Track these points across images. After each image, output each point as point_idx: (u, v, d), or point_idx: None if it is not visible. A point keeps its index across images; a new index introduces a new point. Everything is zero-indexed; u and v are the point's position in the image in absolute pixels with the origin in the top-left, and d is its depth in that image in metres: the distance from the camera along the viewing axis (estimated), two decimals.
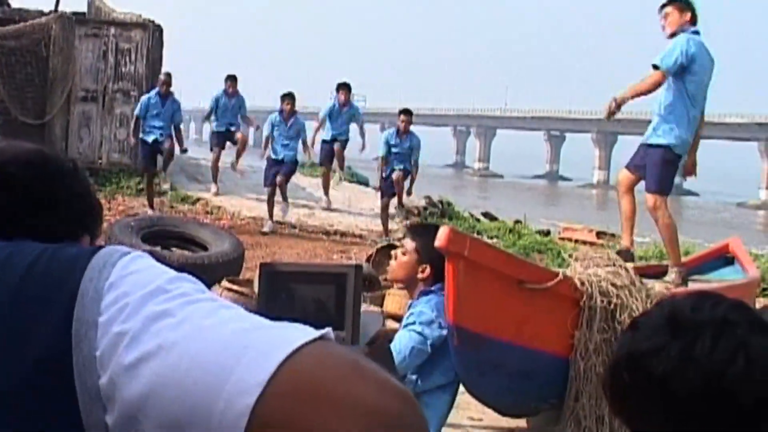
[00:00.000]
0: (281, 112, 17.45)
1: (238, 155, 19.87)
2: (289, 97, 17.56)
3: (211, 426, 1.06)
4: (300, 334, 1.11)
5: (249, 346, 1.09)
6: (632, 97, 8.75)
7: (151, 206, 17.08)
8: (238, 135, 19.61)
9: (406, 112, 17.60)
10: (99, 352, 1.17)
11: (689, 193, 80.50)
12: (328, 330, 1.14)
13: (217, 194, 19.53)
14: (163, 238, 12.41)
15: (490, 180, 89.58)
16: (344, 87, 18.56)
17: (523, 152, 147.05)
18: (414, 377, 5.69)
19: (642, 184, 8.99)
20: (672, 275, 8.71)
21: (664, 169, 8.78)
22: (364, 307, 9.40)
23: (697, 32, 8.69)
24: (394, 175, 17.02)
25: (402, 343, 5.46)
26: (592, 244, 17.18)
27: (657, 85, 8.59)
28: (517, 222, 20.10)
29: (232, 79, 19.38)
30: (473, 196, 48.59)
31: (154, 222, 12.89)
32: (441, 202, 20.40)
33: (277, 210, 17.33)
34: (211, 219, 17.12)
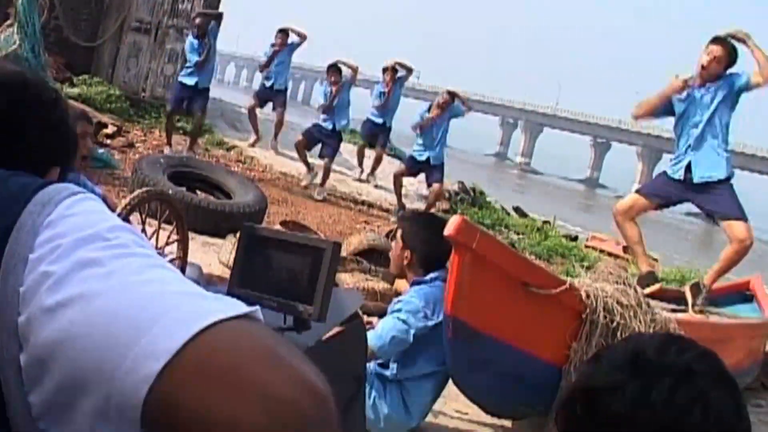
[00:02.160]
0: (334, 83, 17.34)
1: (276, 135, 19.74)
2: (333, 68, 17.53)
3: (113, 387, 1.03)
4: (225, 307, 1.07)
5: (169, 311, 1.05)
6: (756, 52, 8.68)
7: (169, 143, 16.79)
8: (277, 110, 19.58)
9: (450, 92, 17.17)
10: (23, 289, 1.14)
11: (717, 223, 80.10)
12: (256, 308, 1.10)
13: (253, 144, 19.46)
14: (189, 180, 12.42)
15: (529, 175, 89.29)
16: (388, 70, 18.40)
17: (566, 153, 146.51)
18: (396, 364, 5.68)
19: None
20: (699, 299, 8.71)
21: (735, 195, 8.81)
22: (373, 283, 9.49)
23: None
24: (435, 187, 16.61)
25: (384, 329, 5.45)
26: (617, 257, 17.11)
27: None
28: (546, 222, 20.03)
29: (282, 33, 19.29)
30: (508, 188, 48.39)
31: (183, 162, 12.89)
32: (474, 189, 20.32)
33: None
34: (242, 168, 17.10)
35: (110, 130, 16.36)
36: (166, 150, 16.39)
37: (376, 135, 19.31)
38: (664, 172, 9.11)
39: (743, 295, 10.65)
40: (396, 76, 18.87)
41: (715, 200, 8.78)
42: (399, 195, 16.96)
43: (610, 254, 17.76)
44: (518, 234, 18.00)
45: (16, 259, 1.17)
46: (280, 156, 19.05)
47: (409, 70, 19.45)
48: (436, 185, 16.42)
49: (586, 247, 18.60)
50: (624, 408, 1.71)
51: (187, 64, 16.57)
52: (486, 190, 21.76)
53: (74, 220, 1.22)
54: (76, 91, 18.09)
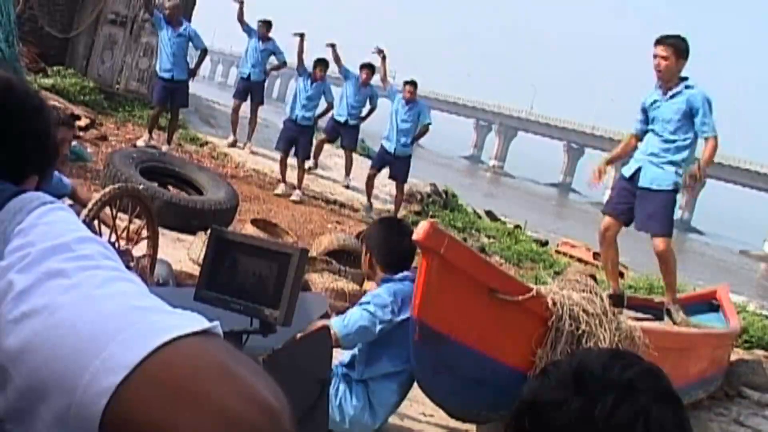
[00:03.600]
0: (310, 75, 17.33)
1: (250, 135, 19.67)
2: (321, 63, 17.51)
3: (73, 398, 1.05)
4: (185, 323, 1.09)
5: (129, 326, 1.07)
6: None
7: (150, 133, 16.90)
8: (251, 111, 19.57)
9: (412, 83, 17.30)
10: None
11: (695, 230, 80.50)
12: (215, 324, 1.12)
13: (233, 145, 19.39)
14: (161, 175, 12.40)
15: (502, 179, 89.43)
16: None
17: (539, 158, 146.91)
18: (361, 364, 5.70)
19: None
20: (679, 314, 8.81)
21: (672, 211, 8.87)
22: (342, 283, 9.51)
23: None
24: (397, 187, 17.14)
25: (351, 318, 5.48)
26: (587, 263, 17.18)
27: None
28: (516, 227, 20.07)
29: (265, 23, 19.19)
30: (481, 192, 48.46)
31: (155, 157, 12.85)
32: (446, 192, 20.33)
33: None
34: (215, 165, 17.06)
35: (83, 122, 16.30)
36: (142, 139, 16.45)
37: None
38: (621, 173, 9.19)
39: (710, 304, 10.73)
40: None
41: (645, 207, 8.84)
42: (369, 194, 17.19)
43: (580, 260, 17.84)
44: (489, 238, 18.02)
45: None
46: (253, 155, 18.99)
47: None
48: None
49: (557, 252, 18.67)
50: (568, 422, 1.73)
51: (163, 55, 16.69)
52: (458, 192, 21.76)
53: (44, 229, 1.24)
54: (49, 81, 18.00)
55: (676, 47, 8.72)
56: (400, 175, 17.04)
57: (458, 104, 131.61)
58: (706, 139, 8.71)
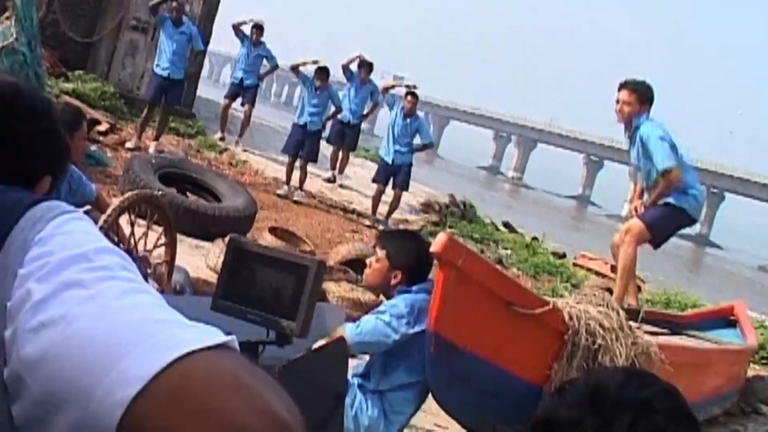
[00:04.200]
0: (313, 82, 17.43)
1: (242, 131, 19.85)
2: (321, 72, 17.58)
3: (89, 409, 1.05)
4: (201, 336, 1.10)
5: (145, 338, 1.08)
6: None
7: (139, 137, 16.85)
8: (245, 107, 19.74)
9: (413, 94, 17.36)
10: (10, 304, 1.18)
11: (713, 245, 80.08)
12: (232, 337, 1.13)
13: (222, 140, 19.50)
14: (179, 182, 12.42)
15: (520, 190, 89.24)
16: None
17: (558, 170, 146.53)
18: (377, 375, 5.69)
19: None
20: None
21: (667, 217, 8.76)
22: (359, 293, 9.50)
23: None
24: (394, 193, 17.14)
25: (365, 326, 5.47)
26: (604, 276, 17.09)
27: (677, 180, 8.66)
28: (534, 239, 20.00)
29: (257, 29, 19.43)
30: (500, 203, 48.36)
31: (174, 163, 12.89)
32: (464, 203, 20.29)
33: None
34: (234, 172, 17.08)
35: (103, 127, 16.36)
36: (134, 140, 16.62)
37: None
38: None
39: (727, 320, 10.68)
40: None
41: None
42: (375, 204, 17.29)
43: (597, 273, 17.75)
44: (506, 249, 17.97)
45: (5, 273, 1.20)
46: (271, 160, 19.02)
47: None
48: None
49: (574, 265, 18.59)
50: None
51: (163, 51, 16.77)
52: (477, 203, 21.72)
53: (63, 238, 1.24)
54: (70, 86, 18.05)
55: (640, 93, 8.71)
56: (399, 183, 17.04)
57: (477, 115, 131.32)
58: (662, 173, 8.62)
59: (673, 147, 8.62)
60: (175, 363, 1.05)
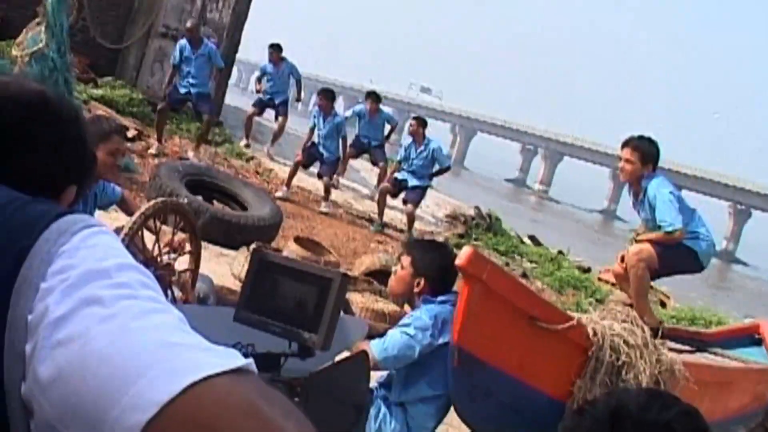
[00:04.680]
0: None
1: (274, 139, 19.93)
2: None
3: (101, 431, 1.06)
4: (218, 360, 1.10)
5: (161, 362, 1.08)
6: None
7: (159, 141, 17.06)
8: (279, 119, 19.83)
9: (416, 118, 17.49)
10: (31, 317, 1.18)
11: (739, 262, 79.68)
12: (249, 361, 1.13)
13: (248, 147, 19.62)
14: (206, 189, 12.47)
15: (546, 204, 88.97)
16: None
17: (585, 184, 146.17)
18: (398, 386, 5.68)
19: None
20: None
21: (679, 253, 8.72)
22: (383, 304, 9.48)
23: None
24: (406, 210, 17.09)
25: (390, 341, 5.47)
26: (632, 294, 16.95)
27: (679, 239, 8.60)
28: (559, 252, 19.93)
29: (274, 48, 19.58)
30: (525, 215, 48.20)
31: (201, 171, 12.94)
32: (489, 215, 20.21)
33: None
34: (260, 181, 17.11)
35: (131, 133, 16.41)
36: (156, 145, 16.76)
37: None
38: None
39: (752, 338, 10.60)
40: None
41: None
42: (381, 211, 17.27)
43: (622, 289, 17.65)
44: (531, 263, 17.92)
45: (27, 286, 1.20)
46: (272, 160, 19.07)
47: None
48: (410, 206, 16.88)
49: (599, 279, 18.50)
50: None
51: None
52: (502, 216, 21.65)
53: (87, 252, 1.25)
54: (99, 92, 18.17)
55: (641, 152, 8.60)
56: (411, 198, 16.99)
57: (504, 127, 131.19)
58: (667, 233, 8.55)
59: (680, 201, 8.67)
60: (191, 388, 1.05)
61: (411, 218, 16.97)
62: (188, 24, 17.15)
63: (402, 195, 17.03)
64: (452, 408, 5.96)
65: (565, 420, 1.90)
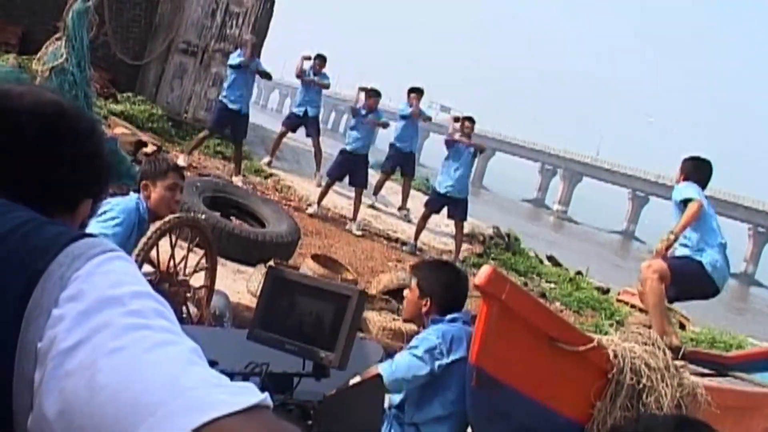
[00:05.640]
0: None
1: (318, 166, 19.66)
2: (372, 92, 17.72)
3: None
4: (231, 399, 1.06)
5: (171, 400, 1.04)
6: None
7: (189, 153, 17.23)
8: (313, 143, 19.64)
9: (469, 118, 17.28)
10: (41, 345, 1.14)
11: (759, 284, 79.46)
12: (264, 396, 1.09)
13: (269, 164, 19.56)
14: (224, 206, 12.46)
15: (565, 224, 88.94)
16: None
17: (603, 204, 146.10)
18: (411, 408, 5.63)
19: None
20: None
21: (691, 268, 8.76)
22: (400, 323, 9.42)
23: None
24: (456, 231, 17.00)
25: (399, 363, 5.43)
26: (648, 312, 16.88)
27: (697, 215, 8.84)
28: (578, 273, 19.87)
29: (320, 59, 19.39)
30: (544, 236, 48.14)
31: (219, 188, 12.92)
32: (508, 235, 20.18)
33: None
34: (278, 197, 17.10)
35: (150, 149, 16.43)
36: (183, 157, 16.83)
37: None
38: None
39: None
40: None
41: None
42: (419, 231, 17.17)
43: (641, 310, 17.57)
44: (550, 283, 17.86)
45: (39, 311, 1.16)
46: (317, 186, 18.99)
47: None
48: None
49: (618, 300, 18.43)
50: None
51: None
52: (521, 236, 21.61)
53: (101, 279, 1.21)
54: (119, 108, 18.25)
55: (683, 167, 9.15)
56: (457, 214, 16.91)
57: (523, 147, 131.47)
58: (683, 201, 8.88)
59: (705, 212, 8.91)
60: (201, 429, 1.01)
61: (461, 237, 17.09)
62: (246, 38, 17.45)
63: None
64: (469, 429, 5.91)
65: None
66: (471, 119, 17.11)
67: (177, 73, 20.38)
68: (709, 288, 9.00)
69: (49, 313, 1.15)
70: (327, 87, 19.59)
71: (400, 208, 19.16)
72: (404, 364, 5.45)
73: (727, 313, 33.31)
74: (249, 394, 1.07)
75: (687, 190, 8.86)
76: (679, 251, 8.94)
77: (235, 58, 16.99)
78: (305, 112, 19.27)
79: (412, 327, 9.16)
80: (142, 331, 1.13)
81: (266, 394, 1.09)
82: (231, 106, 16.81)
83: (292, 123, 19.65)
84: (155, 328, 1.15)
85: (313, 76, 19.12)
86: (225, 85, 17.31)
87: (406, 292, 6.00)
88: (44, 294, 1.17)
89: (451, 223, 17.43)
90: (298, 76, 19.46)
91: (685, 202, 8.73)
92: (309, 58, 19.27)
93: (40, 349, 1.13)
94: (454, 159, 16.65)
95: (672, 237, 8.78)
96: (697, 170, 9.06)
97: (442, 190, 16.67)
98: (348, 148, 17.26)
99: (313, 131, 19.48)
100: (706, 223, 8.88)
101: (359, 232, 16.62)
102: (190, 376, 1.08)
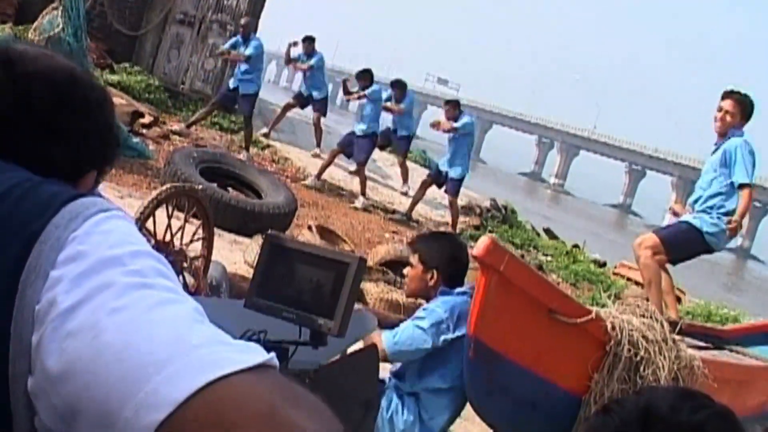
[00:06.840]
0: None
1: (318, 141, 19.76)
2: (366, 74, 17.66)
3: (114, 428, 1.00)
4: (237, 357, 1.03)
5: (177, 358, 1.02)
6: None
7: (189, 126, 17.45)
8: (314, 117, 19.71)
9: (449, 102, 17.51)
10: (38, 307, 1.11)
11: (755, 258, 79.54)
12: (271, 356, 1.07)
13: (267, 136, 19.57)
14: (221, 177, 12.44)
15: (561, 197, 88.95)
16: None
17: (600, 178, 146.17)
18: (412, 376, 5.61)
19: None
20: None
21: (686, 237, 8.69)
22: (398, 295, 9.41)
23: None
24: (449, 201, 17.06)
25: (402, 334, 5.41)
26: (644, 285, 16.90)
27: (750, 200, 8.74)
28: (575, 246, 19.88)
29: (309, 41, 19.35)
30: (540, 209, 48.13)
31: (216, 158, 12.90)
32: (505, 207, 20.20)
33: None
34: (275, 168, 17.09)
35: (147, 120, 16.42)
36: (180, 125, 17.22)
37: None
38: None
39: None
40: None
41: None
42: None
43: (637, 283, 17.60)
44: (547, 256, 17.87)
45: (36, 274, 1.14)
46: (315, 158, 18.95)
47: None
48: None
49: (614, 274, 18.44)
50: None
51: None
52: (518, 208, 21.61)
53: (100, 238, 1.18)
54: (115, 78, 18.22)
55: (744, 106, 8.67)
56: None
57: (521, 120, 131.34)
58: (739, 186, 8.61)
59: (753, 167, 8.69)
60: (208, 387, 0.99)
61: (456, 212, 17.21)
62: (242, 20, 17.53)
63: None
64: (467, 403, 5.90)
65: (590, 418, 1.80)
66: (451, 102, 17.38)
67: (174, 44, 20.34)
68: (703, 250, 8.97)
69: (47, 275, 1.13)
70: (320, 67, 19.49)
71: (403, 193, 19.11)
72: (407, 335, 5.42)
73: (721, 288, 33.35)
74: (256, 353, 1.06)
75: (748, 169, 8.56)
76: (666, 219, 8.91)
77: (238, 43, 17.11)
78: (310, 95, 19.34)
79: (410, 299, 9.18)
80: (144, 290, 1.11)
81: (273, 354, 1.07)
82: (231, 84, 17.05)
83: (301, 101, 19.77)
84: (157, 287, 1.13)
85: (306, 60, 19.10)
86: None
87: (406, 270, 5.91)
88: (41, 256, 1.15)
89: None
90: (287, 64, 19.54)
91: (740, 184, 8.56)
92: (296, 44, 19.19)
93: (38, 311, 1.11)
94: (449, 141, 16.92)
95: (735, 223, 8.62)
96: (752, 111, 8.82)
97: (441, 168, 16.88)
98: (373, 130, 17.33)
99: (321, 111, 19.59)
100: (732, 190, 8.72)
101: (361, 207, 16.62)
102: (195, 333, 1.07)
